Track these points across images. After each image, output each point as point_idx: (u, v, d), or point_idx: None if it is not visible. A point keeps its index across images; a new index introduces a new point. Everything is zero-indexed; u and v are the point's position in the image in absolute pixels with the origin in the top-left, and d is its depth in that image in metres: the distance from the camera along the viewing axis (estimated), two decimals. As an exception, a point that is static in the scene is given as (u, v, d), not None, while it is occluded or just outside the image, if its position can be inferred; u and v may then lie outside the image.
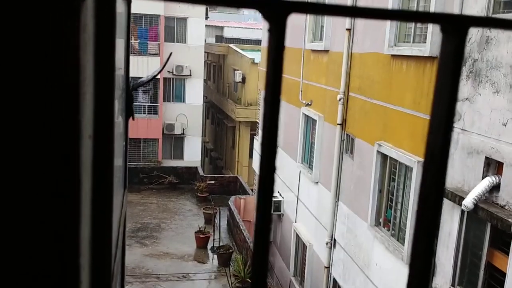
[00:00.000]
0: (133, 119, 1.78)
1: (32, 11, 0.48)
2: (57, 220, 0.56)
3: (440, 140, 0.44)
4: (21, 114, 0.51)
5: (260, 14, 0.37)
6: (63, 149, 0.53)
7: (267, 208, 0.41)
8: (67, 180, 0.55)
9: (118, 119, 1.46)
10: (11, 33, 0.49)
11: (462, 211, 6.55)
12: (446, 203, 6.93)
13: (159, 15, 25.37)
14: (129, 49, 1.85)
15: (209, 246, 17.73)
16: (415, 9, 8.10)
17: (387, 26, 8.61)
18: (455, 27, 0.42)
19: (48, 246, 0.56)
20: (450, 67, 0.43)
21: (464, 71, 6.67)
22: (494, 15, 6.25)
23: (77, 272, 0.58)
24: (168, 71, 25.99)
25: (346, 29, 10.23)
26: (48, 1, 0.48)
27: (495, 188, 6.06)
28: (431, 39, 7.32)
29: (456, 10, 6.79)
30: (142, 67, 24.62)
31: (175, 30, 26.32)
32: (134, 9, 24.38)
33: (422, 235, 0.46)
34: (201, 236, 17.66)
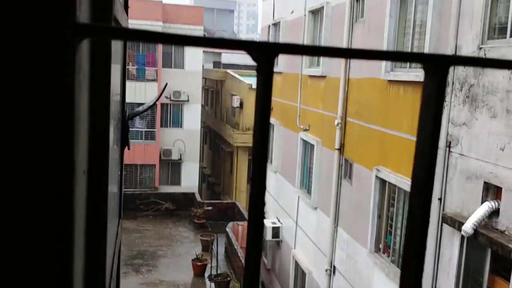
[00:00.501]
0: (128, 148, 1.76)
1: (29, 51, 0.50)
2: (48, 256, 0.56)
3: (424, 173, 0.46)
4: (15, 152, 0.52)
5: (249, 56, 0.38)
6: (57, 186, 0.54)
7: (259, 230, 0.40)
8: (60, 217, 0.55)
9: (114, 149, 1.44)
10: (9, 71, 0.50)
11: (462, 237, 6.49)
12: (446, 229, 6.86)
13: (157, 42, 25.60)
14: (125, 80, 1.85)
15: (206, 274, 17.48)
16: (410, 37, 8.19)
17: (383, 52, 8.69)
18: (436, 67, 0.45)
19: (43, 283, 0.57)
20: (432, 105, 0.45)
21: (461, 96, 6.70)
22: (489, 41, 6.31)
23: None
24: (166, 97, 26.10)
25: (343, 55, 10.32)
26: (45, 42, 0.49)
27: (495, 213, 6.01)
28: (427, 65, 7.37)
29: (451, 37, 6.86)
30: (140, 92, 24.75)
31: (172, 56, 26.55)
32: (133, 36, 24.71)
33: (412, 255, 0.47)
34: (198, 263, 17.43)
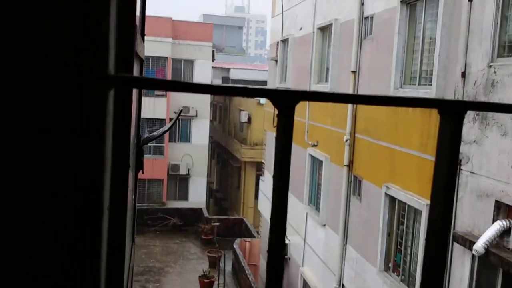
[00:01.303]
0: (142, 172, 1.76)
1: (65, 102, 0.53)
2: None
3: (440, 219, 0.46)
4: (50, 195, 0.55)
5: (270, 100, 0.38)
6: (87, 226, 0.57)
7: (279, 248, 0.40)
8: (90, 256, 0.57)
9: (129, 175, 1.44)
10: (48, 121, 0.54)
11: (473, 256, 6.39)
12: (457, 248, 6.77)
13: (167, 57, 25.86)
14: (140, 106, 1.86)
15: (213, 291, 17.34)
16: (419, 54, 8.19)
17: (393, 68, 8.69)
18: (452, 112, 0.45)
19: None
20: (447, 149, 0.45)
21: (471, 113, 6.66)
22: (498, 59, 6.29)
23: None
24: (174, 112, 26.24)
25: (352, 71, 10.34)
26: (80, 91, 0.53)
27: (506, 232, 5.93)
28: (437, 82, 7.36)
29: (460, 55, 6.85)
30: (149, 108, 24.90)
31: (182, 72, 26.76)
32: (142, 52, 24.98)
33: (431, 273, 0.47)
34: (205, 280, 17.30)
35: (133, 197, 1.75)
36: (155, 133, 2.73)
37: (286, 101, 0.38)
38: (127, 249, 1.48)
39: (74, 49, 0.51)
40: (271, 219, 0.40)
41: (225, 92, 0.36)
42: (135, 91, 1.52)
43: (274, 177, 0.39)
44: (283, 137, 0.38)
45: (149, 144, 26.13)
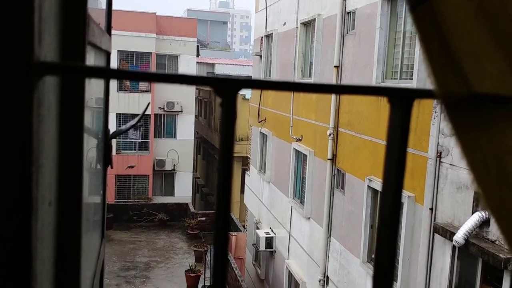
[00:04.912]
0: (111, 167, 1.78)
1: None
2: None
3: (390, 206, 0.46)
4: None
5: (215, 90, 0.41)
6: (14, 226, 0.53)
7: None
8: (19, 253, 0.54)
9: (95, 170, 1.46)
10: None
11: (454, 247, 6.52)
12: (437, 238, 6.90)
13: (151, 53, 25.69)
14: (108, 98, 1.88)
15: (200, 285, 17.38)
16: (401, 48, 8.28)
17: (374, 63, 8.78)
18: (400, 101, 0.45)
19: None
20: (397, 138, 0.46)
21: (451, 107, 6.78)
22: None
23: None
24: (159, 107, 26.12)
25: (334, 66, 10.42)
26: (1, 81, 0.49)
27: (485, 223, 6.06)
28: (418, 75, 7.46)
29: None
30: (133, 103, 24.74)
31: (166, 67, 26.61)
32: (126, 47, 24.69)
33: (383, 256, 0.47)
34: (192, 275, 17.33)
35: (102, 192, 1.77)
36: (123, 127, 2.74)
37: (227, 89, 0.39)
38: (94, 245, 1.49)
39: None
40: (216, 209, 0.43)
41: (165, 80, 0.39)
42: (98, 83, 1.54)
43: (218, 167, 0.42)
44: (227, 125, 0.39)
45: (134, 140, 25.99)
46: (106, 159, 1.72)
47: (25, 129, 0.51)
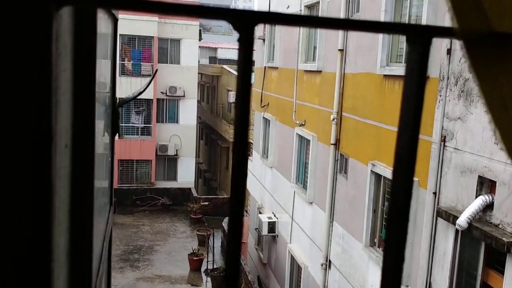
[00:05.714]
0: (119, 136, 1.77)
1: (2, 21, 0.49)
2: (28, 226, 0.56)
3: (407, 145, 0.46)
4: None
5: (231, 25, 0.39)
6: (35, 155, 0.54)
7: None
8: (39, 186, 0.55)
9: (104, 135, 1.45)
10: None
11: (457, 231, 6.53)
12: (441, 222, 6.91)
13: (153, 37, 25.55)
14: (115, 67, 1.86)
15: (203, 269, 17.52)
16: (407, 16, 8.19)
17: (379, 47, 8.71)
18: (419, 37, 0.45)
19: (20, 251, 0.56)
20: (415, 76, 0.45)
21: (456, 90, 6.73)
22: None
23: (49, 277, 0.58)
24: (161, 92, 26.05)
25: (339, 49, 10.34)
26: (19, 11, 0.49)
27: (489, 207, 6.06)
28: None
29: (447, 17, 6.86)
30: (136, 87, 24.63)
31: (168, 51, 26.48)
32: (128, 31, 24.55)
33: (394, 238, 0.47)
34: (195, 258, 17.46)
35: (110, 159, 1.76)
36: (130, 94, 2.72)
37: (245, 21, 0.38)
38: (104, 210, 1.48)
39: None
40: (233, 150, 0.42)
41: (176, 12, 0.37)
42: (107, 43, 1.51)
43: (235, 107, 0.41)
44: (244, 60, 0.38)
45: (136, 125, 25.98)
46: (114, 127, 1.71)
47: (45, 57, 0.51)
